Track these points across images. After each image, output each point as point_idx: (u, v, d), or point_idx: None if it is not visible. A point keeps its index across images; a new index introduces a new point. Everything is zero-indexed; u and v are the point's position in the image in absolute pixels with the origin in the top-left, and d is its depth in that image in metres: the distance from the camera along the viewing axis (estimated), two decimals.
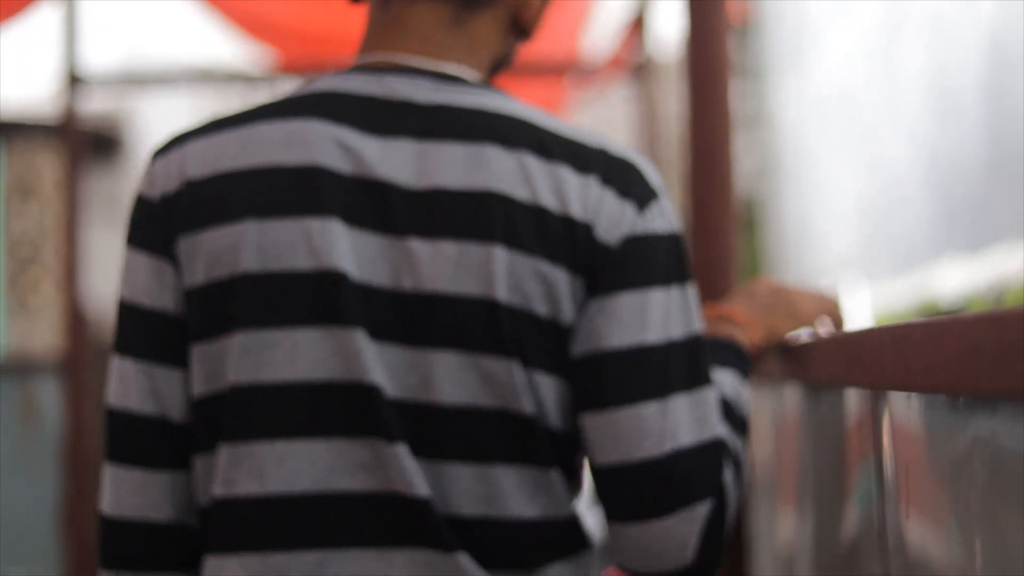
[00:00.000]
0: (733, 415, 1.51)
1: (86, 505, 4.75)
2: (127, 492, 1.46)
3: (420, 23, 1.50)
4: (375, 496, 1.39)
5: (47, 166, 8.79)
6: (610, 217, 1.43)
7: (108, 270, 9.97)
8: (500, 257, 1.39)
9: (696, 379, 1.44)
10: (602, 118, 10.32)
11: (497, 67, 1.58)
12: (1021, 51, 4.07)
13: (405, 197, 1.41)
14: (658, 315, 1.43)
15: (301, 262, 1.40)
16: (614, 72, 5.30)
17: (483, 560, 1.40)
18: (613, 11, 5.61)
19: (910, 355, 1.09)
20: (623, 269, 1.42)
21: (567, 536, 1.46)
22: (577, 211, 1.42)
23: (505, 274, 1.39)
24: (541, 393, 1.41)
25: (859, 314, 5.91)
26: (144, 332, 1.46)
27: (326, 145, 1.42)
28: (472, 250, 1.39)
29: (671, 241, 1.46)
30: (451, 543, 1.38)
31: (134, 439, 1.46)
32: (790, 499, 1.81)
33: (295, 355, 1.40)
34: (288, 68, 5.54)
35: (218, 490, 1.41)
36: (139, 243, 1.47)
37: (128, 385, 1.46)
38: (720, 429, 1.45)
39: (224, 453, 1.40)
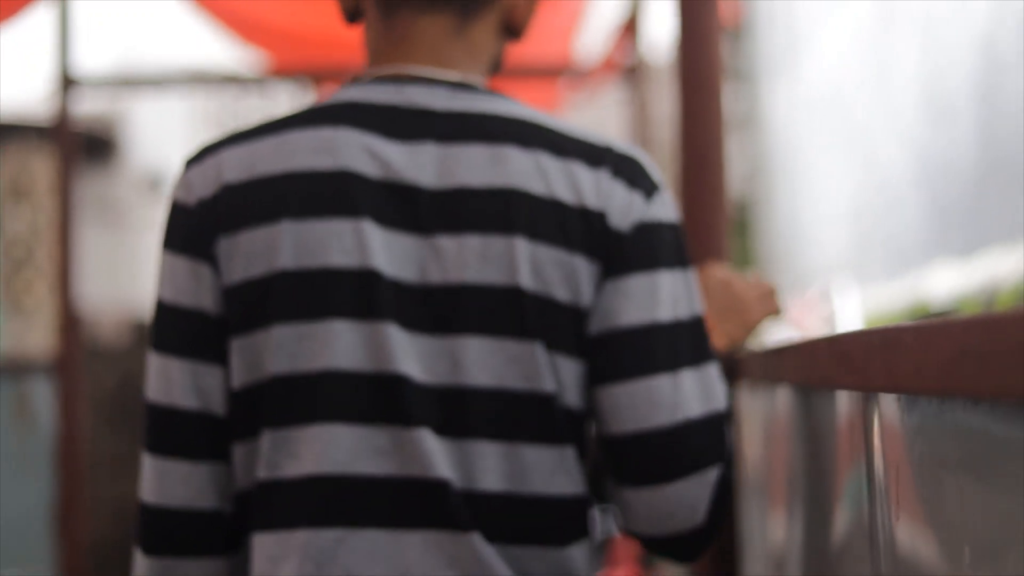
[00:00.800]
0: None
1: (79, 506, 4.77)
2: (173, 483, 1.57)
3: (426, 35, 1.63)
4: (392, 480, 1.50)
5: (41, 167, 8.80)
6: (621, 206, 1.56)
7: (101, 272, 9.94)
8: (522, 247, 1.52)
9: (701, 355, 1.58)
10: (594, 120, 10.34)
11: (494, 68, 1.71)
12: (1013, 52, 4.08)
13: (430, 197, 1.54)
14: (666, 295, 1.57)
15: (335, 260, 1.51)
16: (606, 74, 5.31)
17: (508, 537, 1.52)
18: (606, 13, 5.62)
19: (900, 357, 1.10)
20: (634, 253, 1.56)
21: (583, 514, 1.57)
22: (591, 202, 1.55)
23: (528, 263, 1.52)
24: (561, 374, 1.54)
25: (850, 316, 5.92)
26: (185, 331, 1.57)
27: (355, 151, 1.54)
28: (496, 242, 1.52)
29: (674, 229, 1.61)
30: (467, 524, 1.49)
31: (179, 432, 1.57)
32: (780, 500, 1.81)
33: (329, 346, 1.51)
34: (279, 70, 5.55)
35: (262, 473, 1.53)
36: (177, 247, 1.58)
37: (171, 381, 1.57)
38: (723, 401, 1.60)
39: (267, 439, 1.53)
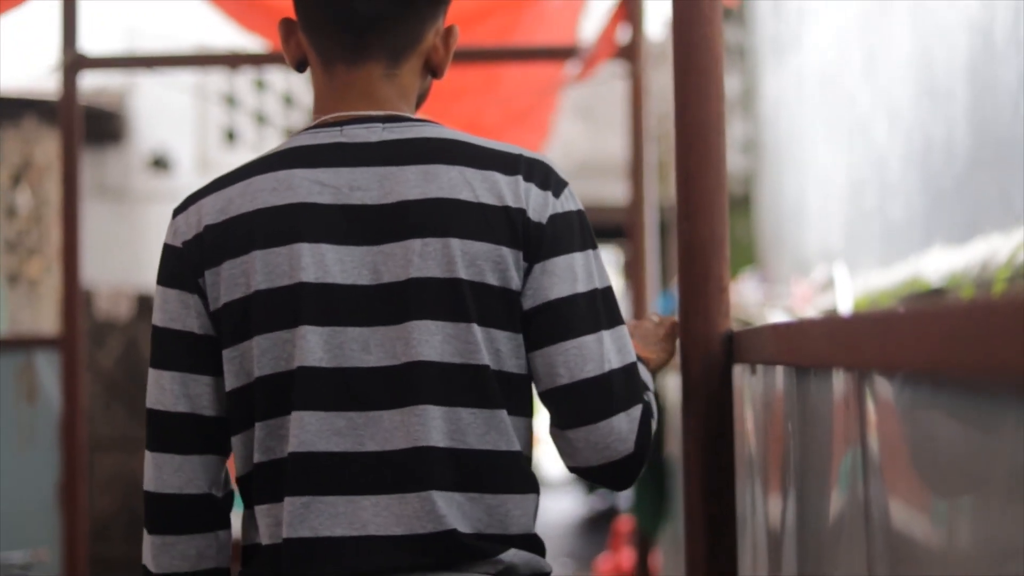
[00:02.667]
0: (645, 377, 2.00)
1: (82, 481, 4.79)
2: (167, 473, 1.92)
3: (360, 82, 1.95)
4: (348, 455, 1.83)
5: (46, 146, 8.79)
6: (537, 203, 1.89)
7: (105, 247, 9.90)
8: (456, 245, 1.84)
9: (614, 319, 1.91)
10: (594, 95, 10.34)
11: (420, 101, 2.05)
12: (1007, 34, 4.09)
13: (376, 212, 1.86)
14: (582, 271, 1.90)
15: (299, 277, 1.84)
16: (606, 50, 5.32)
17: (451, 485, 1.83)
18: None
19: (893, 339, 1.13)
20: (553, 240, 1.88)
21: (517, 470, 1.89)
22: (511, 202, 1.87)
23: (462, 257, 1.84)
24: (497, 345, 1.86)
25: (845, 298, 5.93)
26: (175, 349, 1.92)
27: (308, 185, 1.87)
28: (434, 243, 1.84)
29: (581, 217, 1.93)
30: (414, 486, 1.82)
31: (171, 431, 1.92)
32: (776, 478, 1.84)
33: (300, 349, 1.83)
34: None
35: (259, 456, 1.86)
36: (167, 282, 1.92)
37: (164, 390, 1.92)
38: (634, 356, 1.93)
39: (260, 429, 1.86)
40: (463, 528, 1.83)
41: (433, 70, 2.02)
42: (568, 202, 1.92)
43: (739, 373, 2.04)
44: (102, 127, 10.05)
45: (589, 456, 1.89)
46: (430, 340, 1.83)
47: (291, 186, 1.87)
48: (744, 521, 2.03)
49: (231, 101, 10.56)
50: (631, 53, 5.24)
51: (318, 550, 1.82)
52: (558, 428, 1.91)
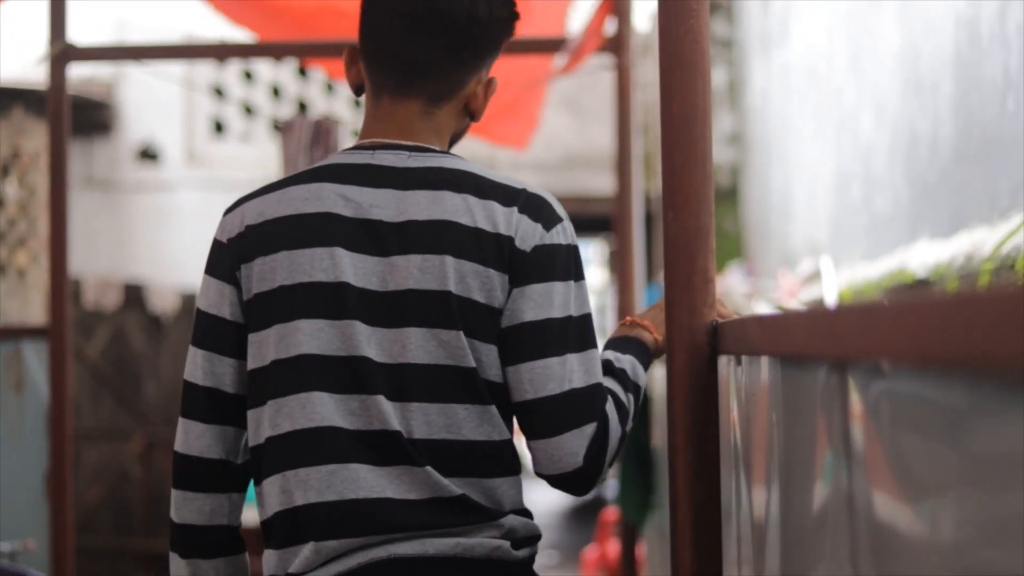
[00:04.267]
0: (626, 381, 2.23)
1: (69, 472, 4.78)
2: (192, 438, 2.20)
3: (401, 116, 2.24)
4: (363, 432, 2.08)
5: (35, 136, 8.78)
6: (525, 233, 2.12)
7: (93, 239, 9.89)
8: (450, 263, 2.09)
9: (585, 344, 2.13)
10: (580, 87, 10.35)
11: (455, 140, 2.33)
12: (993, 29, 4.10)
13: (390, 228, 2.12)
14: (559, 299, 2.12)
15: (317, 276, 2.11)
16: (593, 42, 5.33)
17: (447, 470, 2.08)
18: None
19: (878, 330, 1.14)
20: (534, 268, 2.11)
21: (506, 456, 2.14)
22: (503, 230, 2.11)
23: (454, 274, 2.09)
24: (480, 354, 2.11)
25: (831, 291, 5.95)
26: (208, 331, 2.20)
27: (333, 198, 2.15)
28: (432, 259, 2.09)
29: (569, 250, 2.16)
30: (421, 460, 2.07)
31: (197, 402, 2.20)
32: (761, 470, 1.85)
33: (314, 337, 2.10)
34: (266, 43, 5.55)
35: (268, 431, 2.12)
36: (211, 271, 2.21)
37: (196, 366, 2.21)
38: (601, 378, 2.15)
39: (270, 406, 2.12)
40: (473, 497, 2.09)
41: (471, 113, 2.29)
42: (558, 236, 2.15)
43: (724, 364, 2.05)
44: (90, 118, 10.05)
45: (546, 465, 2.12)
46: (424, 345, 2.08)
47: (320, 197, 2.15)
48: (729, 512, 2.04)
49: (219, 92, 10.55)
50: (618, 45, 5.24)
51: (346, 511, 2.07)
52: (525, 437, 2.15)
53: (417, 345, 2.08)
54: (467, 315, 2.09)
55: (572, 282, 2.14)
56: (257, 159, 10.29)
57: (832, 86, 6.77)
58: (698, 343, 2.05)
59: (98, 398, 9.57)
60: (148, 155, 10.45)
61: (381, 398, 2.07)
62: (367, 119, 2.27)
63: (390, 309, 2.09)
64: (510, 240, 2.11)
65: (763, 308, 6.25)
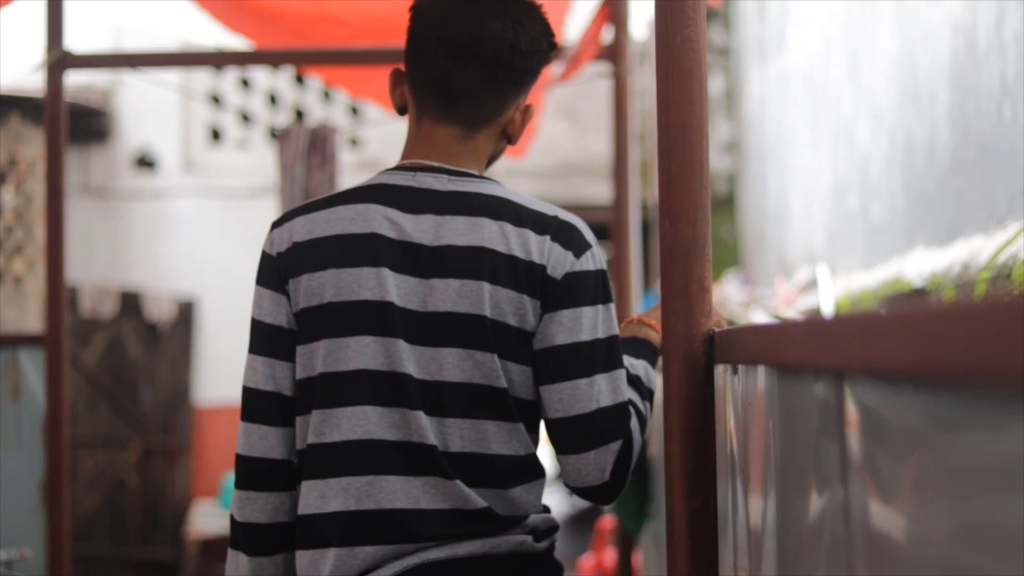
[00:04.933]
0: (641, 388, 2.36)
1: (65, 480, 4.77)
2: (254, 440, 2.31)
3: (440, 139, 2.34)
4: (401, 444, 2.20)
5: (31, 144, 8.77)
6: (557, 261, 2.24)
7: (90, 247, 9.87)
8: (486, 288, 2.20)
9: (612, 364, 2.26)
10: (577, 94, 10.35)
11: (492, 160, 2.43)
12: (990, 36, 4.11)
13: (429, 251, 2.23)
14: (587, 323, 2.24)
15: (364, 295, 2.22)
16: (590, 50, 5.33)
17: (474, 482, 2.21)
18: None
19: (874, 340, 1.14)
20: (564, 294, 2.23)
21: (529, 467, 2.28)
22: (536, 258, 2.23)
23: (489, 299, 2.21)
24: (512, 375, 2.24)
25: (828, 299, 5.95)
26: (267, 339, 2.31)
27: (379, 220, 2.25)
28: (469, 284, 2.20)
29: (597, 275, 2.27)
30: (452, 473, 2.20)
31: (260, 406, 2.31)
32: (757, 479, 1.84)
33: (359, 353, 2.21)
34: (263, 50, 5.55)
35: (312, 439, 2.24)
36: (264, 283, 2.32)
37: (256, 372, 2.31)
38: (628, 395, 2.29)
39: (316, 415, 2.24)
40: (496, 508, 2.23)
41: (508, 137, 2.40)
42: (587, 263, 2.26)
43: (720, 373, 2.04)
44: (87, 125, 10.04)
45: (574, 479, 2.26)
46: (460, 365, 2.21)
47: (367, 218, 2.25)
48: (725, 520, 2.04)
49: (216, 100, 10.55)
50: (615, 53, 5.25)
51: (384, 521, 2.20)
52: (555, 451, 2.27)
53: (453, 364, 2.21)
54: (501, 338, 2.21)
55: (600, 306, 2.26)
56: (254, 167, 10.29)
57: (829, 94, 6.77)
58: (695, 352, 2.04)
59: (94, 406, 9.57)
60: (145, 162, 10.45)
61: (420, 413, 2.19)
62: (409, 140, 2.38)
63: (429, 329, 2.21)
64: (542, 268, 2.22)
65: (760, 316, 6.25)
